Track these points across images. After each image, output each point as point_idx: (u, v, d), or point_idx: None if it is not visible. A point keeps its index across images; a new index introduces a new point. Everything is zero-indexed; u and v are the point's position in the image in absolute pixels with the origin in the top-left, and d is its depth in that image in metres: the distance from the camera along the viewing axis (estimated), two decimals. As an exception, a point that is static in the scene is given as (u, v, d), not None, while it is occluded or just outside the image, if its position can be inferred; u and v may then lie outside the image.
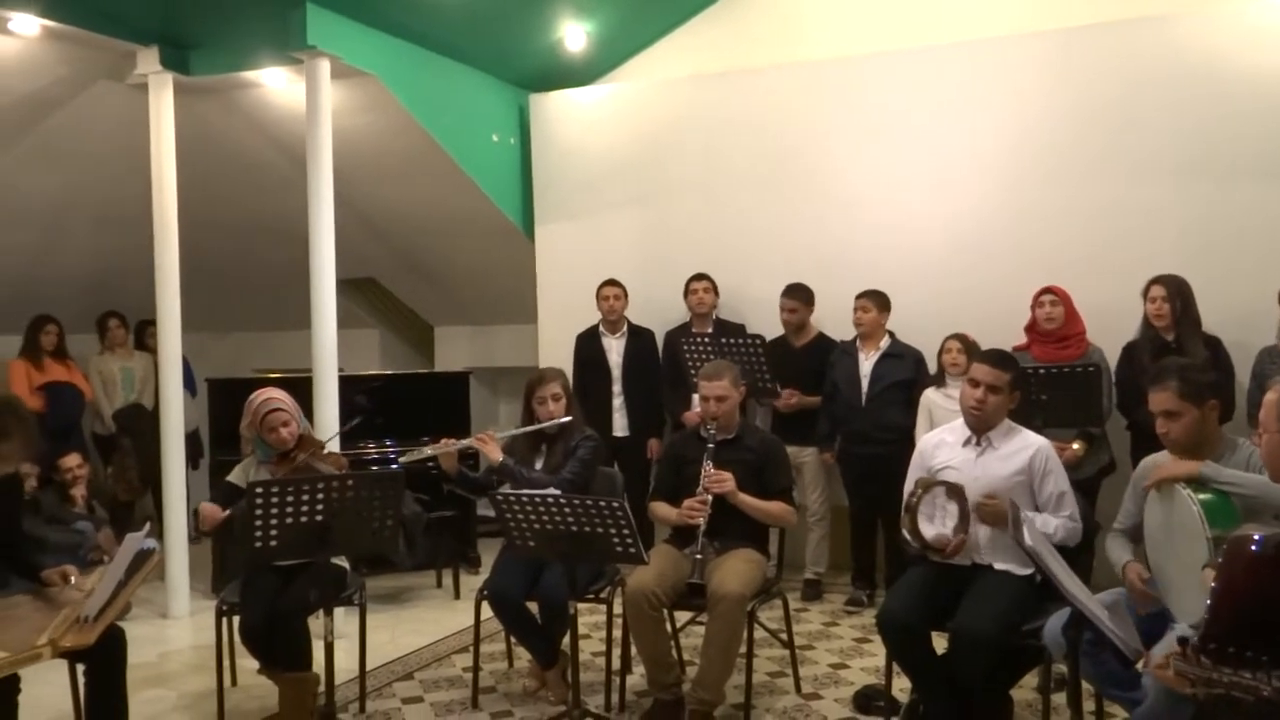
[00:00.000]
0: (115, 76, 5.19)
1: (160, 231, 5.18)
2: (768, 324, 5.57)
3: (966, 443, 3.46)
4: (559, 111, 6.40)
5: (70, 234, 6.25)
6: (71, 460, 5.40)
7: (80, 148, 5.60)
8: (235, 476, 3.88)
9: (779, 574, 4.01)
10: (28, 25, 4.59)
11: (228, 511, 3.64)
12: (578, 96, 6.41)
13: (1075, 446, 4.46)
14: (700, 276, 5.72)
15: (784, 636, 4.15)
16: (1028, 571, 3.27)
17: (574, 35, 6.13)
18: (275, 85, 5.42)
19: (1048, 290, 4.79)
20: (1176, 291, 4.52)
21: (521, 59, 6.24)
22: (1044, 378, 4.28)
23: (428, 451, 3.96)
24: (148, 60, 5.08)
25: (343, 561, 3.94)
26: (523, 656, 4.23)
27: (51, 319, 6.21)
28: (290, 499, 3.13)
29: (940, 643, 3.30)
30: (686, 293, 5.71)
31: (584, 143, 6.34)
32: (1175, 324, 4.52)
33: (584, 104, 6.38)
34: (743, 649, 3.61)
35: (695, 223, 6.06)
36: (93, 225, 6.23)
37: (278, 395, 3.88)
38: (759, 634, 4.13)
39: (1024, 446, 3.40)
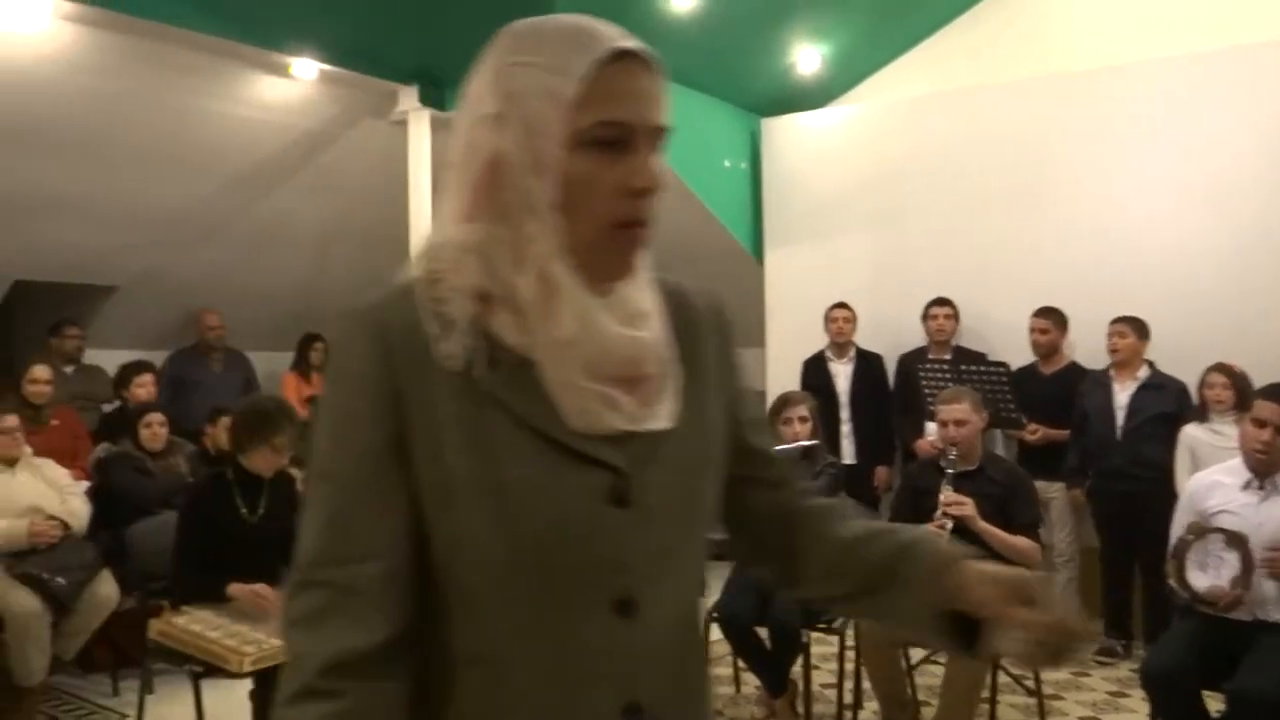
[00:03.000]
0: (379, 114, 5.61)
1: (416, 258, 5.53)
2: (1011, 351, 5.29)
3: (1247, 486, 3.15)
4: (791, 135, 6.37)
5: (335, 259, 6.78)
6: (332, 467, 5.85)
7: (347, 179, 6.09)
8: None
9: (1024, 616, 3.78)
10: (307, 70, 5.06)
11: None
12: (810, 120, 6.36)
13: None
14: (942, 302, 5.51)
15: (1029, 684, 3.91)
16: (1322, 632, 2.94)
17: (808, 58, 6.10)
18: (520, 117, 5.68)
19: (1341, 318, 4.30)
20: None
21: (754, 83, 6.26)
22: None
23: None
24: (408, 98, 5.46)
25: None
26: (750, 682, 4.19)
27: (319, 337, 6.77)
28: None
29: (1213, 704, 3.01)
30: (925, 318, 5.53)
31: (816, 166, 6.27)
32: None
33: (817, 128, 6.32)
34: (985, 693, 3.43)
35: (932, 245, 5.85)
36: (355, 251, 6.74)
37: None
38: (1002, 679, 3.90)
39: (1317, 492, 3.06)
